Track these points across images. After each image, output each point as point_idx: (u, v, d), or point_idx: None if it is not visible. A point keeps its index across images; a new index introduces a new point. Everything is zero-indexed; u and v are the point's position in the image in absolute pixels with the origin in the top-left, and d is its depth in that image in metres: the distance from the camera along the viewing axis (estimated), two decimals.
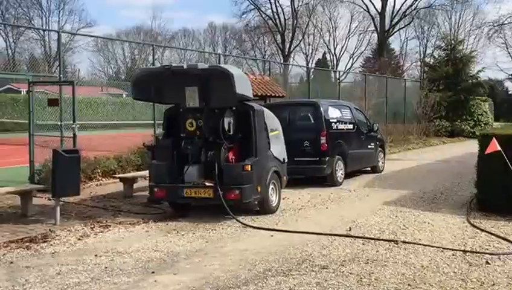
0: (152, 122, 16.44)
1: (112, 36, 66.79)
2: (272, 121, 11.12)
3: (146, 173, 12.16)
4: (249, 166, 9.95)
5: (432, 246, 8.05)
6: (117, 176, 13.62)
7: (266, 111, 10.93)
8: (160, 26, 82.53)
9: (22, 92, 37.77)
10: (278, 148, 11.15)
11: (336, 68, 68.63)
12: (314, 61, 74.33)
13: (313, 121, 14.52)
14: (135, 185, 12.89)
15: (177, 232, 9.12)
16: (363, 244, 8.24)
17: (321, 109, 14.52)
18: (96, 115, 25.58)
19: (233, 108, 10.40)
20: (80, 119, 14.62)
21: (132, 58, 71.71)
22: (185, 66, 10.27)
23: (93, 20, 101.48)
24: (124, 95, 39.18)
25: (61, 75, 13.88)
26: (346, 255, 7.58)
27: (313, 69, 30.98)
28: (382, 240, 8.47)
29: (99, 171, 14.46)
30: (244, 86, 10.03)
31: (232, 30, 78.68)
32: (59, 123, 13.09)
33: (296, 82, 42.62)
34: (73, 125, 12.61)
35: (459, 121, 36.44)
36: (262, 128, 10.56)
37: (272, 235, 8.87)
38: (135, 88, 10.82)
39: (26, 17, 64.62)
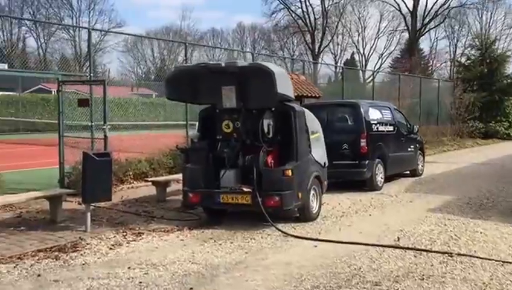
0: (184, 122, 15.98)
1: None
2: (313, 122, 10.48)
3: (179, 176, 11.69)
4: (290, 171, 9.36)
5: (490, 259, 7.41)
6: (149, 179, 13.09)
7: (307, 112, 10.30)
8: (189, 27, 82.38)
9: (53, 92, 37.74)
10: (319, 152, 10.54)
11: (365, 68, 67.88)
12: (342, 62, 73.71)
13: (352, 123, 13.93)
14: (168, 189, 12.40)
15: (214, 241, 8.56)
16: (415, 256, 7.62)
17: (361, 109, 13.91)
18: (126, 115, 25.30)
19: (273, 109, 9.82)
20: (111, 119, 14.20)
21: (161, 58, 71.65)
22: (222, 64, 9.73)
23: (123, 20, 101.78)
24: (154, 96, 38.97)
25: (91, 74, 13.48)
26: (399, 270, 6.98)
27: (344, 69, 30.30)
28: (435, 252, 7.83)
29: (130, 173, 14.03)
30: (285, 85, 9.45)
31: (260, 30, 78.49)
32: (89, 124, 12.66)
33: (324, 82, 42.03)
34: (104, 126, 12.12)
35: (493, 122, 35.38)
36: (303, 130, 9.93)
37: (316, 246, 8.28)
38: (169, 87, 10.28)
39: (57, 18, 65.26)
